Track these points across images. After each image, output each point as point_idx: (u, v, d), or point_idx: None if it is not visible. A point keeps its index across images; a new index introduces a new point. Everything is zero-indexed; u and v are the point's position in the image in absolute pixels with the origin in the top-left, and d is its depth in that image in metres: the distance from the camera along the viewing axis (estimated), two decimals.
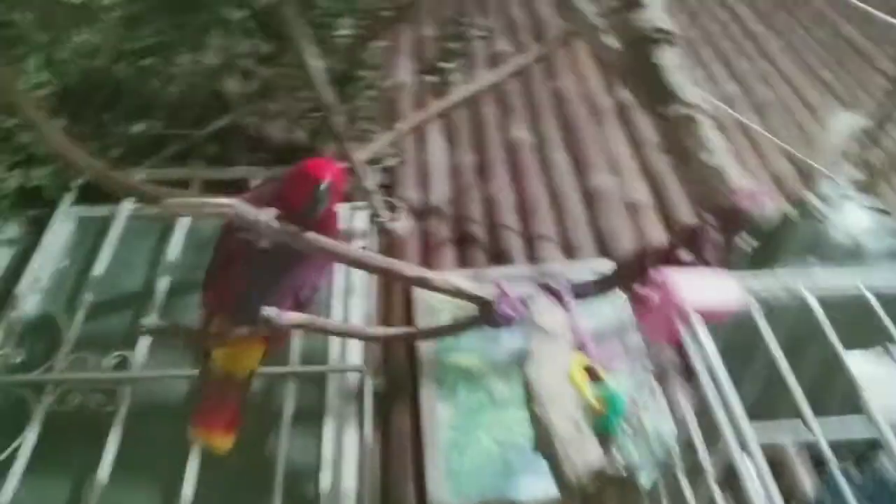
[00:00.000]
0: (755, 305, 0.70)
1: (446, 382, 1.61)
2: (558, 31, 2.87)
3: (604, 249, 1.96)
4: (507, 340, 1.66)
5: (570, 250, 1.96)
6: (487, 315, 1.24)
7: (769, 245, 0.98)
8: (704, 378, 0.64)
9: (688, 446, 0.74)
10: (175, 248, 1.88)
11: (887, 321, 0.68)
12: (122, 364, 1.58)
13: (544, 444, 0.94)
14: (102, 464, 1.40)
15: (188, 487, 1.39)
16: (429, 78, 2.14)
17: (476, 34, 2.10)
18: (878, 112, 1.53)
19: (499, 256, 1.93)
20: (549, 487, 1.40)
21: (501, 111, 2.47)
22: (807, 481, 0.91)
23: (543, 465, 1.43)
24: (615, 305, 1.73)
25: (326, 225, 1.16)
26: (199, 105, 2.30)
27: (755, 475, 0.57)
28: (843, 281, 0.73)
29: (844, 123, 1.27)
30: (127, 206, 1.96)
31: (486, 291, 1.23)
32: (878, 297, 0.70)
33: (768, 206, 1.20)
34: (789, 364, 0.67)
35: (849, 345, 0.68)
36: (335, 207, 1.19)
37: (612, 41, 1.35)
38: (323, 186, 1.10)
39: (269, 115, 2.41)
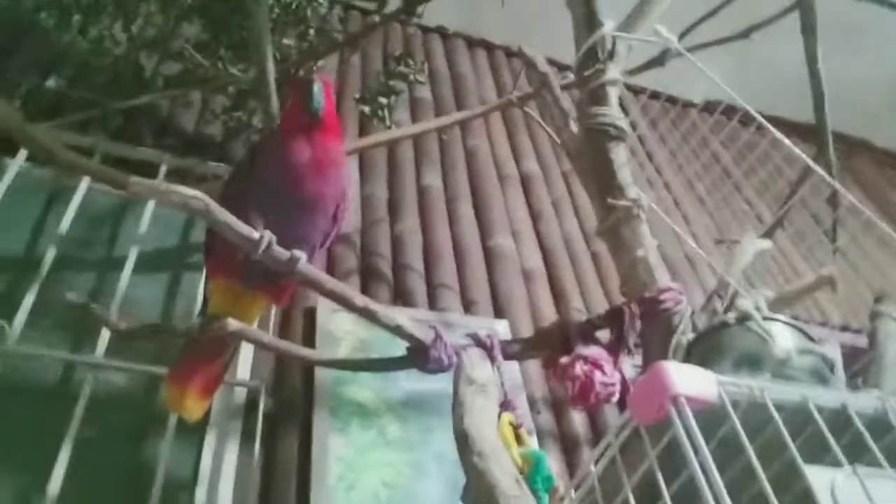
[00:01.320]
0: (728, 403, 0.79)
1: (340, 415, 1.59)
2: (477, 90, 3.02)
3: (498, 308, 2.04)
4: (404, 382, 1.69)
5: (468, 304, 2.02)
6: (420, 357, 1.26)
7: (706, 347, 1.09)
8: (692, 459, 0.71)
9: None
10: (67, 217, 1.74)
11: (831, 439, 0.78)
12: None
13: (484, 498, 0.97)
14: None
15: (55, 482, 1.28)
16: (363, 108, 2.16)
17: (418, 79, 2.15)
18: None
19: (402, 296, 1.96)
20: None
21: (416, 155, 2.53)
22: None
23: None
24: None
25: (333, 132, 1.19)
26: (115, 75, 2.17)
27: None
28: (790, 394, 0.84)
29: (753, 244, 1.44)
30: (17, 163, 1.80)
31: (423, 334, 1.26)
32: (821, 412, 0.81)
33: (688, 307, 1.33)
34: (743, 467, 0.75)
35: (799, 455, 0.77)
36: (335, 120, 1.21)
37: (574, 126, 1.45)
38: (316, 85, 1.14)
39: (182, 102, 2.32)
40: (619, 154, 1.43)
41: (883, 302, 1.38)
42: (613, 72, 1.45)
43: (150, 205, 1.87)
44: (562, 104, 1.43)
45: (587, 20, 1.46)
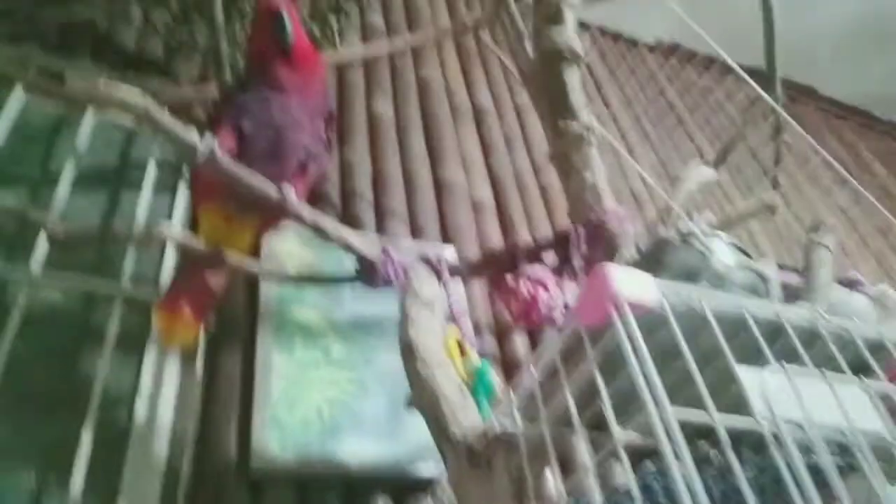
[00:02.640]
0: (668, 308, 0.80)
1: (284, 333, 1.59)
2: (430, 16, 2.95)
3: (448, 238, 2.04)
4: (349, 303, 1.68)
5: (416, 231, 2.02)
6: (368, 274, 1.26)
7: (649, 263, 1.11)
8: (632, 361, 0.73)
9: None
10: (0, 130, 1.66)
11: (763, 344, 0.81)
12: None
13: (427, 404, 0.98)
14: None
15: None
16: (311, 27, 2.09)
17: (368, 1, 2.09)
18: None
19: (350, 222, 1.94)
20: (372, 450, 1.46)
21: (367, 81, 2.48)
22: None
23: (370, 428, 1.49)
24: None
25: (308, 57, 1.20)
26: None
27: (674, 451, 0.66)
28: (727, 303, 0.86)
29: (700, 172, 1.47)
30: None
31: (372, 252, 1.26)
32: (756, 322, 0.84)
33: (632, 228, 1.35)
34: (678, 373, 0.77)
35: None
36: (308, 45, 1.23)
37: (529, 48, 1.44)
38: (279, 13, 1.15)
39: (124, 18, 2.21)
40: (573, 78, 1.43)
41: (817, 232, 1.42)
42: None
43: (88, 120, 1.80)
44: (518, 24, 1.41)
45: None
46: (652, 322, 0.81)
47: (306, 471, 1.41)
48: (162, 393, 1.44)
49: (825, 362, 0.81)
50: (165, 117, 1.09)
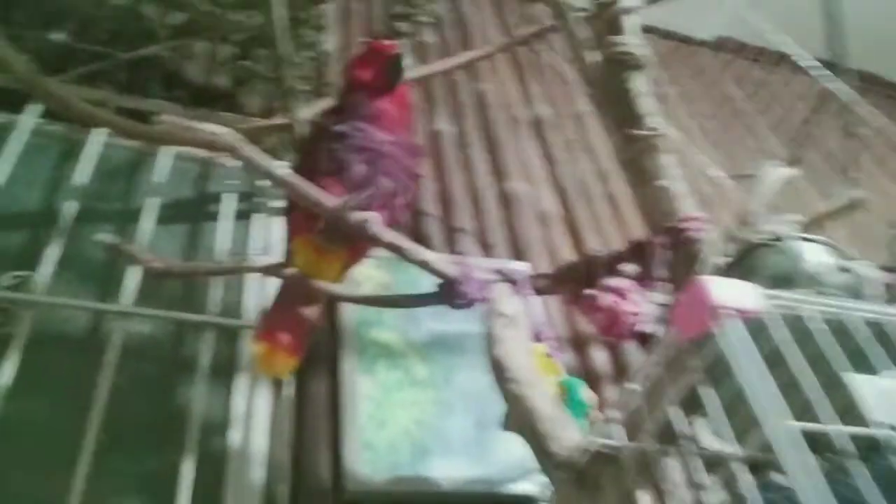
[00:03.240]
0: (775, 314, 0.79)
1: (366, 356, 1.61)
2: (482, 32, 2.97)
3: (517, 252, 2.05)
4: (429, 322, 1.70)
5: (487, 247, 2.03)
6: (450, 293, 1.27)
7: (742, 269, 1.09)
8: (744, 371, 0.72)
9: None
10: (84, 170, 1.74)
11: (866, 348, 0.79)
12: (24, 285, 1.44)
13: (525, 424, 0.98)
14: None
15: (91, 432, 1.29)
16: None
17: (425, 20, 2.11)
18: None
19: (421, 242, 1.95)
20: (462, 470, 1.46)
21: (426, 100, 2.51)
22: None
23: (458, 447, 1.50)
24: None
25: (402, 99, 1.25)
26: (119, 25, 2.14)
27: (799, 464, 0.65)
28: (827, 307, 0.84)
29: (777, 172, 1.44)
30: (31, 117, 1.78)
31: (452, 271, 1.27)
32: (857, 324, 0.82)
33: (713, 234, 1.33)
34: (785, 380, 0.76)
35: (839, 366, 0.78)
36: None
37: (591, 56, 1.43)
38: (398, 56, 1.23)
39: (191, 54, 2.29)
40: (638, 84, 1.42)
41: None
42: (628, 0, 1.42)
43: (166, 157, 1.86)
44: (577, 34, 1.41)
45: None
46: (752, 331, 0.80)
47: (400, 492, 1.42)
48: (254, 419, 1.48)
49: None
50: (253, 151, 1.13)
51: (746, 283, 0.80)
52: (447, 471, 1.46)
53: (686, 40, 3.02)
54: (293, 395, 1.54)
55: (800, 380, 0.74)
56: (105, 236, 1.15)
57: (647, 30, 2.82)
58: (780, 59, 3.36)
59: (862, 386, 0.75)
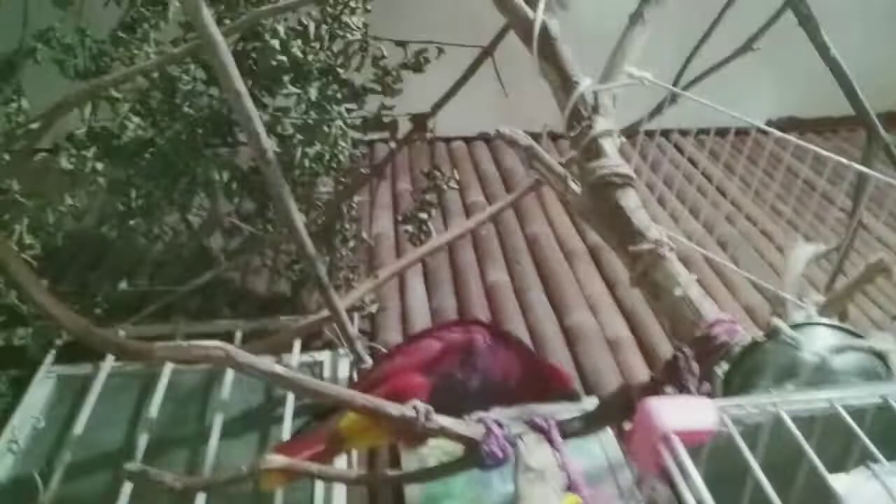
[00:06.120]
0: (731, 426, 0.72)
1: None
2: (527, 180, 3.04)
3: (588, 386, 1.97)
4: (499, 484, 1.63)
5: None
6: (474, 455, 1.23)
7: (742, 372, 1.01)
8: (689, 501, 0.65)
9: None
10: (155, 403, 1.86)
11: (863, 437, 0.70)
12: None
13: None
14: None
15: None
16: (406, 228, 2.23)
17: (449, 186, 2.21)
18: (840, 241, 1.62)
19: None
20: None
21: (479, 256, 2.56)
22: None
23: None
24: (604, 444, 1.73)
25: None
26: (183, 262, 2.36)
27: None
28: (816, 400, 0.75)
29: (804, 250, 1.34)
30: (108, 364, 1.96)
31: (472, 431, 1.23)
32: (854, 413, 0.73)
33: (741, 334, 1.24)
34: (775, 489, 0.68)
35: (833, 465, 0.69)
36: None
37: (576, 187, 1.43)
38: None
39: (251, 269, 2.47)
40: (630, 200, 1.39)
41: None
42: (603, 124, 1.43)
43: (230, 373, 1.96)
44: (556, 169, 1.43)
45: (563, 85, 1.47)
46: (723, 446, 0.73)
47: None
48: None
49: None
50: (248, 357, 1.17)
51: (702, 398, 0.74)
52: None
53: (742, 132, 2.94)
54: None
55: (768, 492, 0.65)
56: (131, 465, 1.20)
57: (700, 132, 2.82)
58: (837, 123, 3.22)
59: (850, 489, 0.66)
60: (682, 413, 0.72)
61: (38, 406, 1.89)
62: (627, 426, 1.26)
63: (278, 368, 1.17)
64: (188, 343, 1.15)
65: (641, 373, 2.04)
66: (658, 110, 2.01)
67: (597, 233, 1.47)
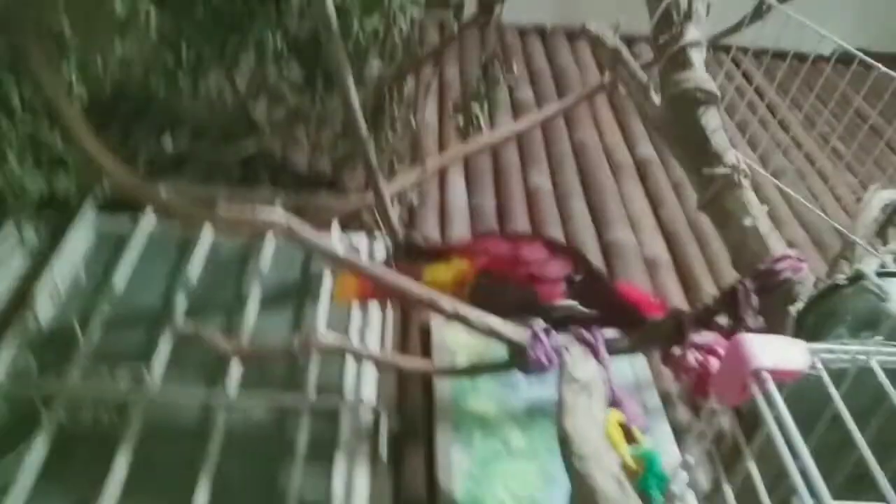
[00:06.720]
0: (823, 370, 0.70)
1: (462, 427, 1.58)
2: (581, 82, 2.94)
3: None
4: (525, 389, 1.65)
5: None
6: (519, 360, 1.23)
7: (817, 315, 0.98)
8: (779, 440, 0.63)
9: None
10: (194, 266, 1.86)
11: None
12: (137, 382, 1.55)
13: (585, 501, 0.92)
14: (110, 483, 1.36)
15: None
16: (455, 119, 2.16)
17: (502, 81, 2.12)
18: None
19: None
20: None
21: (522, 158, 2.50)
22: None
23: None
24: (633, 363, 1.73)
25: None
26: (226, 126, 2.32)
27: None
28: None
29: (881, 196, 1.29)
30: (148, 220, 1.95)
31: (521, 336, 1.23)
32: None
33: (806, 273, 1.21)
34: (845, 438, 0.66)
35: None
36: None
37: (657, 98, 1.37)
38: None
39: (293, 143, 2.42)
40: (711, 119, 1.33)
41: None
42: (693, 33, 1.35)
43: (270, 245, 1.96)
44: (639, 77, 1.36)
45: None
46: (809, 387, 0.71)
47: None
48: (353, 500, 1.48)
49: None
50: (308, 231, 1.16)
51: (793, 339, 0.71)
52: None
53: (799, 57, 2.81)
54: (391, 472, 1.53)
55: (857, 445, 0.64)
56: (184, 325, 1.21)
57: (758, 53, 2.69)
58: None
59: None
60: (775, 351, 0.70)
61: (77, 256, 1.90)
62: (676, 351, 1.25)
63: (340, 250, 1.16)
64: (250, 206, 1.13)
65: (677, 297, 2.02)
66: (739, 26, 1.91)
67: (669, 150, 1.42)
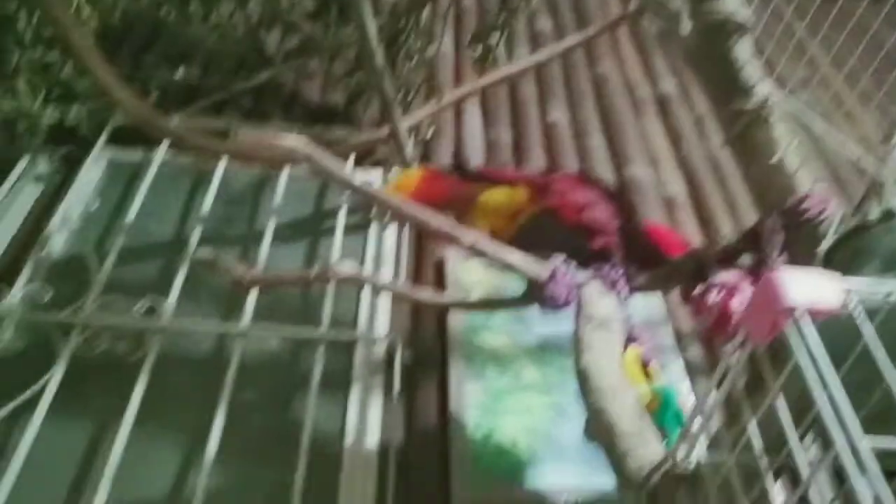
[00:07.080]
0: (858, 308, 0.68)
1: (475, 361, 1.58)
2: (601, 14, 2.84)
3: None
4: (539, 325, 1.64)
5: None
6: (537, 295, 1.21)
7: (846, 252, 0.96)
8: (812, 376, 0.62)
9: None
10: (208, 199, 1.84)
11: None
12: (152, 312, 1.55)
13: (603, 436, 0.92)
14: (126, 412, 1.37)
15: (213, 443, 1.36)
16: (473, 50, 2.10)
17: (520, 11, 2.04)
18: None
19: None
20: (577, 479, 1.40)
21: (540, 91, 2.44)
22: None
23: (573, 455, 1.43)
24: (647, 300, 1.72)
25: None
26: (238, 57, 2.27)
27: (866, 481, 0.55)
28: None
29: None
30: (161, 152, 1.92)
31: (539, 270, 1.21)
32: None
33: (832, 211, 1.17)
34: (873, 376, 0.65)
35: None
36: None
37: (687, 29, 1.31)
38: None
39: (306, 74, 2.37)
40: (742, 51, 1.28)
41: None
42: None
43: (284, 178, 1.93)
44: (670, 5, 1.30)
45: None
46: (840, 325, 0.69)
47: (510, 502, 1.38)
48: (367, 430, 1.49)
49: None
50: (329, 160, 1.13)
51: (828, 273, 0.69)
52: (561, 480, 1.39)
53: None
54: (404, 404, 1.54)
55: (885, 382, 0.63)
56: (202, 253, 1.20)
57: None
58: None
59: None
60: (809, 288, 0.68)
61: (91, 188, 1.89)
62: (697, 290, 1.23)
63: (363, 184, 1.14)
64: (272, 133, 1.10)
65: (694, 235, 2.00)
66: None
67: (698, 82, 1.37)
